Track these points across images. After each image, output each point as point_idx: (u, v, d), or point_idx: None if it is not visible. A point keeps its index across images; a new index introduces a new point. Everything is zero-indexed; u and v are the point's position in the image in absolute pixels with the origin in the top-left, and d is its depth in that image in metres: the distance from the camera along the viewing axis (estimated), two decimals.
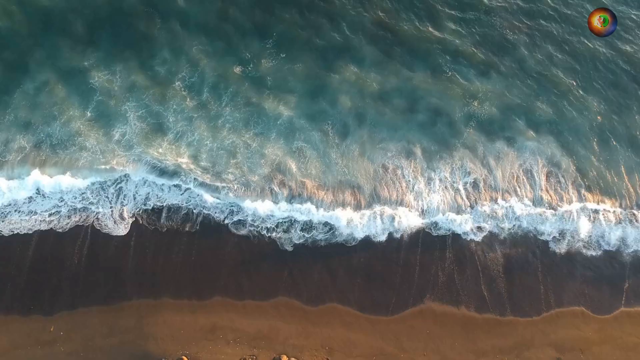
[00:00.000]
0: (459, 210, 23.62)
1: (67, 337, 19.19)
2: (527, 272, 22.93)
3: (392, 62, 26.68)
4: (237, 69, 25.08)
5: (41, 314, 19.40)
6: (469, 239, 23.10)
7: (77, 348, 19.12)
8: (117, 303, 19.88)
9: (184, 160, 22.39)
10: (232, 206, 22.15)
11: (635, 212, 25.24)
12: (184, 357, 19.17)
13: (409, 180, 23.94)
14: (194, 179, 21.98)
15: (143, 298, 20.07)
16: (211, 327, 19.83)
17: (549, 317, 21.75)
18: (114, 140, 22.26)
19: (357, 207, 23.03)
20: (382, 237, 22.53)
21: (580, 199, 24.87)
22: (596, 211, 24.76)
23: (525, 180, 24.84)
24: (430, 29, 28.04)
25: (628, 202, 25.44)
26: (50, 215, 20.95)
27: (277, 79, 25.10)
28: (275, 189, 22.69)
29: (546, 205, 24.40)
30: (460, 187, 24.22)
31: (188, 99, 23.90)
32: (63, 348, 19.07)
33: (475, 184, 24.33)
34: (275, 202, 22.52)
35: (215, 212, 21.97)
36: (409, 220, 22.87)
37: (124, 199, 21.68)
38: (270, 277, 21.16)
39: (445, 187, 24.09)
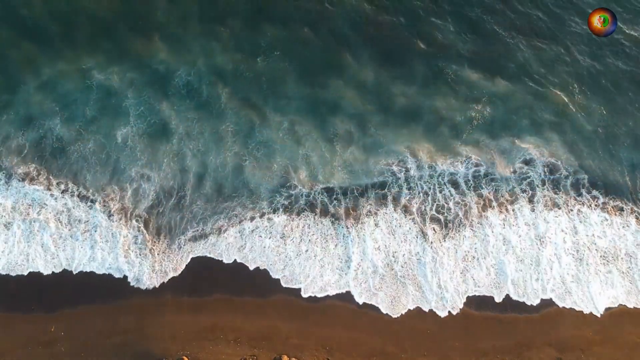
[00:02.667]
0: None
1: (68, 337, 19.24)
2: None
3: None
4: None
5: (42, 314, 19.47)
6: None
7: (78, 348, 19.16)
8: (118, 303, 19.95)
9: None
10: None
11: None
12: (184, 357, 19.16)
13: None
14: None
15: (143, 297, 20.14)
16: (212, 327, 19.83)
17: (549, 316, 21.68)
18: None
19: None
20: None
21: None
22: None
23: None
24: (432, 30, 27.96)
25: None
26: None
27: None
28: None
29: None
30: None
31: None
32: (64, 348, 19.11)
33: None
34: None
35: None
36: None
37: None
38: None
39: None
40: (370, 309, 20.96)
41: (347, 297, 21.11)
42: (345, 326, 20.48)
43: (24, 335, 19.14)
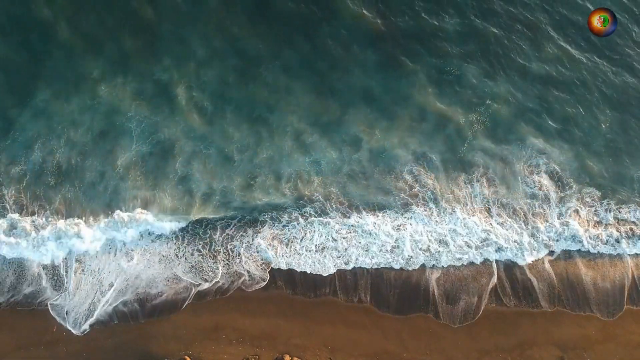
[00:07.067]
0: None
1: (70, 337, 19.22)
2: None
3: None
4: None
5: (44, 314, 19.46)
6: None
7: (80, 348, 19.17)
8: None
9: None
10: None
11: None
12: (186, 357, 19.16)
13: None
14: None
15: None
16: (214, 327, 19.84)
17: (551, 315, 21.69)
18: None
19: None
20: None
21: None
22: None
23: None
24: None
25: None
26: None
27: None
28: None
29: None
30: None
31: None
32: (66, 348, 19.12)
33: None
34: None
35: None
36: None
37: None
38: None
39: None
40: (372, 307, 20.96)
41: (348, 294, 21.13)
42: (347, 324, 20.47)
43: (26, 335, 19.15)
